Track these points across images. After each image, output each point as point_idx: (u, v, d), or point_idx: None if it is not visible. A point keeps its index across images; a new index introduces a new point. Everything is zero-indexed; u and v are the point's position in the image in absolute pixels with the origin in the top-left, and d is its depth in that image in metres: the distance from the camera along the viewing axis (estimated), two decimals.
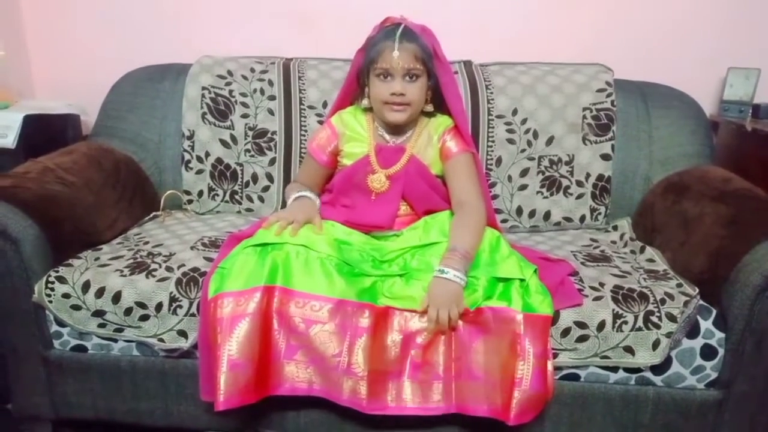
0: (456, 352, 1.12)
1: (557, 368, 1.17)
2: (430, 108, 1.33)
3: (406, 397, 1.12)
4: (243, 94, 1.63)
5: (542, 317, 1.12)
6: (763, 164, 1.60)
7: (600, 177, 1.60)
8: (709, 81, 1.86)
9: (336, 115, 1.39)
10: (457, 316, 1.09)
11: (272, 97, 1.63)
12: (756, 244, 1.15)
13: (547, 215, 1.61)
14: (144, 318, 1.22)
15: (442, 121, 1.35)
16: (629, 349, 1.16)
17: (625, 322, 1.15)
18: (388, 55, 1.23)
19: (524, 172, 1.59)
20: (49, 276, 1.24)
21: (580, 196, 1.60)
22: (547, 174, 1.59)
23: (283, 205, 1.50)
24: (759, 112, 1.74)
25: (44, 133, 1.74)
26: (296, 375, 1.13)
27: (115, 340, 1.26)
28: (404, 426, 1.17)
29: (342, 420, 1.20)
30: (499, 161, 1.59)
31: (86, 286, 1.22)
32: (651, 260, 1.37)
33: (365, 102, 1.33)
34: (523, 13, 1.84)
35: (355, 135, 1.35)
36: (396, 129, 1.33)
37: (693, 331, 1.16)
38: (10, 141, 1.63)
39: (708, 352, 1.17)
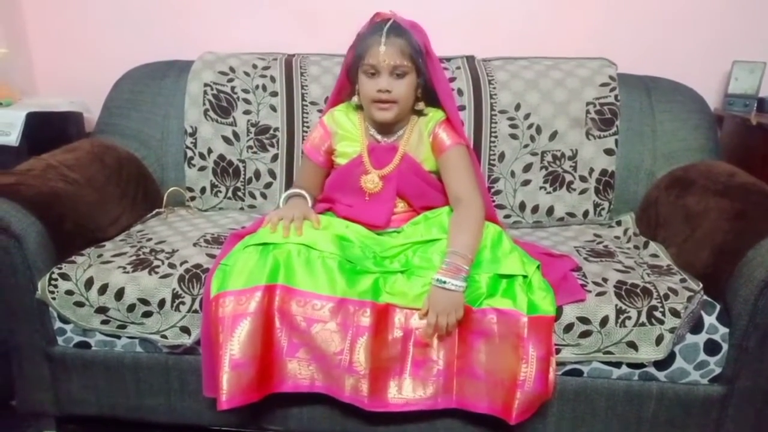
0: (459, 350, 1.13)
1: (560, 364, 1.17)
2: (420, 106, 1.30)
3: (407, 394, 1.12)
4: (245, 91, 1.63)
5: (546, 318, 1.11)
6: None
7: (603, 172, 1.59)
8: (713, 75, 1.85)
9: (328, 113, 1.38)
10: (455, 322, 1.10)
11: (274, 94, 1.63)
12: (761, 239, 1.15)
13: (550, 211, 1.60)
14: (147, 314, 1.22)
15: (433, 116, 1.32)
16: (632, 345, 1.15)
17: (629, 318, 1.15)
18: (374, 51, 1.21)
19: (527, 168, 1.58)
20: (52, 273, 1.24)
21: (583, 192, 1.60)
22: (550, 169, 1.58)
23: None
24: (764, 106, 1.73)
25: (47, 130, 1.74)
26: (298, 372, 1.13)
27: (119, 337, 1.26)
28: (406, 420, 1.17)
29: (345, 415, 1.20)
30: (502, 156, 1.58)
31: (89, 283, 1.23)
32: (655, 255, 1.36)
33: (356, 99, 1.31)
34: (526, 7, 1.83)
35: (347, 134, 1.34)
36: (386, 128, 1.31)
37: (697, 327, 1.16)
38: (13, 138, 1.64)
39: (712, 348, 1.16)
